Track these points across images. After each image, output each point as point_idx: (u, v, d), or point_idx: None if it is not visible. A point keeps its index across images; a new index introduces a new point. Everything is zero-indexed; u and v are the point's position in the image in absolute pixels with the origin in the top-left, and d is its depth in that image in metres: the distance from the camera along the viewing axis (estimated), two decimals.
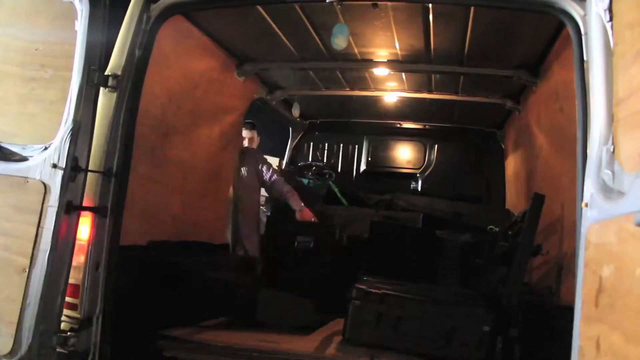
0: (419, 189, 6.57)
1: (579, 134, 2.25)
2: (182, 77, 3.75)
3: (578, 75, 2.30)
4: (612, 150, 1.85)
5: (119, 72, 2.75)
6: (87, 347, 2.63)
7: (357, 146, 6.82)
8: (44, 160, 2.47)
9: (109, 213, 2.69)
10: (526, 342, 3.04)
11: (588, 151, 2.03)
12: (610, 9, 1.90)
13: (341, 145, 6.86)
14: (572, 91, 2.47)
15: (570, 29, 2.37)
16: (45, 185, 2.44)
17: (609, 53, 1.96)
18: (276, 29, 3.89)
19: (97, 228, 2.66)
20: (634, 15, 1.73)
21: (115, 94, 2.74)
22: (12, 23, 2.67)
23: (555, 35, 3.48)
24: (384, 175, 6.72)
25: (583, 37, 2.25)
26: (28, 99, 2.59)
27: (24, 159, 2.53)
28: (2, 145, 2.58)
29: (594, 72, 2.04)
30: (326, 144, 6.86)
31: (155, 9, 2.84)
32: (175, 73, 3.65)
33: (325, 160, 6.68)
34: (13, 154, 2.52)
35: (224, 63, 4.33)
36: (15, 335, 2.36)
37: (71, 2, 2.52)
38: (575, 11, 2.31)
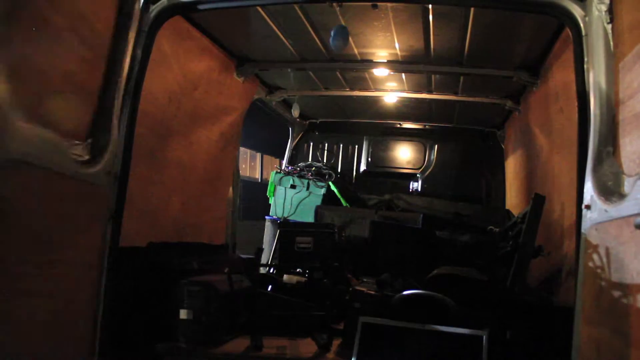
0: (419, 189, 6.57)
1: (579, 136, 2.24)
2: (181, 77, 3.74)
3: (578, 77, 2.29)
4: (612, 152, 1.84)
5: None
6: None
7: (357, 146, 6.82)
8: None
9: (109, 215, 2.69)
10: (526, 344, 3.03)
11: (588, 153, 2.02)
12: (610, 11, 1.90)
13: (341, 145, 6.86)
14: (572, 92, 2.46)
15: (570, 30, 2.36)
16: None
17: (609, 54, 1.95)
18: (276, 30, 3.88)
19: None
20: (634, 17, 1.73)
21: None
22: None
23: (556, 36, 3.47)
24: (384, 175, 6.72)
25: (583, 39, 2.24)
26: None
27: None
28: None
29: (594, 74, 2.04)
30: (326, 144, 6.86)
31: (155, 9, 2.83)
32: (175, 74, 3.64)
33: (325, 161, 6.68)
34: None
35: (223, 64, 4.33)
36: None
37: None
38: (576, 12, 2.30)
